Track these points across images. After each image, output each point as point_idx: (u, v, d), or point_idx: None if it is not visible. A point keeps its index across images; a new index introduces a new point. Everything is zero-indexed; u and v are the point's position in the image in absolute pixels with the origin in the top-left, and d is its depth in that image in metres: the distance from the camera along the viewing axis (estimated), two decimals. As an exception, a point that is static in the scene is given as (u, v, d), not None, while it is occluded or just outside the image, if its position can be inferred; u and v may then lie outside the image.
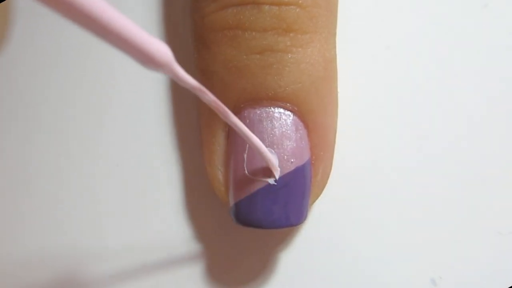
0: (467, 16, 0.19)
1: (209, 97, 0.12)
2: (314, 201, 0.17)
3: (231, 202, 0.16)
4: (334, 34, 0.17)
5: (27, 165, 0.19)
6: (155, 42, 0.09)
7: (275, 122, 0.15)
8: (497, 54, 0.18)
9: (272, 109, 0.15)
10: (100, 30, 0.08)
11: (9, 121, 0.20)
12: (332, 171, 0.17)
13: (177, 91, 0.19)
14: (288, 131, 0.15)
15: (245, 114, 0.16)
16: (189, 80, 0.11)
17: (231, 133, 0.16)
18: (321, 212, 0.19)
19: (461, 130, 0.18)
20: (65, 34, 0.19)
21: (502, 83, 0.18)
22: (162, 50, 0.09)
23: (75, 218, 0.19)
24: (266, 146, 0.15)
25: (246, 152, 0.15)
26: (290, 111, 0.16)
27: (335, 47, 0.17)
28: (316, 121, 0.16)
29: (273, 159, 0.15)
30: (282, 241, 0.19)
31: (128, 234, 0.19)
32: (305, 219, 0.16)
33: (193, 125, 0.19)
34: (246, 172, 0.15)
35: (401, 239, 0.18)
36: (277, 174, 0.15)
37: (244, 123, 0.15)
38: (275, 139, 0.15)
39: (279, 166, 0.15)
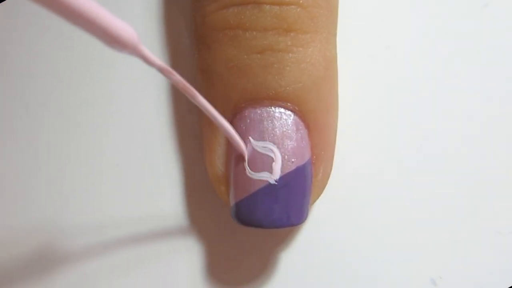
0: (467, 16, 0.19)
1: (176, 77, 0.12)
2: (314, 201, 0.17)
3: (232, 202, 0.16)
4: (335, 34, 0.17)
5: (27, 165, 0.19)
6: (120, 24, 0.10)
7: (276, 122, 0.15)
8: (497, 54, 0.19)
9: (273, 108, 0.15)
10: (64, 12, 0.09)
11: (10, 121, 0.19)
12: (332, 171, 0.17)
13: (178, 90, 0.19)
14: (289, 131, 0.15)
15: (246, 114, 0.16)
16: (156, 60, 0.11)
17: None
18: (322, 212, 0.19)
19: (461, 130, 0.19)
20: (64, 34, 0.19)
21: (502, 83, 0.18)
22: (127, 31, 0.10)
23: (74, 218, 0.19)
24: None
25: (247, 152, 0.15)
26: (291, 110, 0.16)
27: (335, 47, 0.17)
28: (316, 120, 0.16)
29: (244, 147, 0.15)
30: (282, 241, 0.19)
31: (128, 233, 0.19)
32: (305, 219, 0.16)
33: (194, 124, 0.19)
34: (247, 171, 0.15)
35: (401, 239, 0.19)
36: (276, 174, 0.15)
37: (245, 122, 0.16)
38: (276, 139, 0.15)
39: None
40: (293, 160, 0.15)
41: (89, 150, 0.19)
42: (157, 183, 0.19)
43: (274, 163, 0.15)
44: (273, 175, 0.15)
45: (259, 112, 0.15)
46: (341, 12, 0.17)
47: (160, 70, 0.11)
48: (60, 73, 0.19)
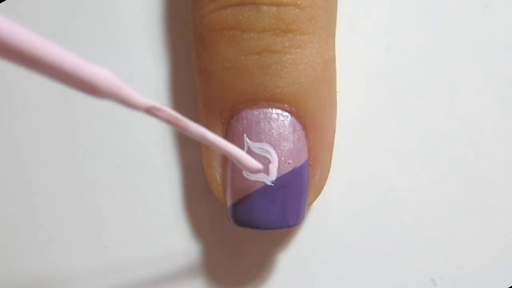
0: (467, 16, 0.18)
1: (165, 114, 0.11)
2: (312, 202, 0.17)
3: (229, 203, 0.16)
4: (333, 35, 0.17)
5: (27, 165, 0.19)
6: (95, 70, 0.09)
7: (273, 123, 0.15)
8: (497, 54, 0.18)
9: (270, 110, 0.15)
10: (25, 61, 0.08)
11: (9, 121, 0.20)
12: (330, 172, 0.17)
13: (177, 91, 0.19)
14: (286, 132, 0.15)
15: (243, 115, 0.16)
16: (141, 101, 0.10)
17: (229, 134, 0.16)
18: (319, 213, 0.19)
19: (461, 130, 0.18)
20: (64, 34, 0.20)
21: (502, 83, 0.18)
22: (104, 77, 0.09)
23: (74, 218, 0.19)
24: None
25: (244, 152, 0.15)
26: (288, 112, 0.16)
27: (334, 48, 0.17)
28: (314, 122, 0.16)
29: (249, 161, 0.14)
30: (279, 242, 0.19)
31: (127, 233, 0.19)
32: (302, 220, 0.16)
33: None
34: (243, 172, 0.15)
35: (401, 239, 0.18)
36: (273, 175, 0.15)
37: (242, 123, 0.16)
38: (273, 140, 0.15)
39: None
40: (290, 161, 0.15)
41: (89, 150, 0.19)
42: (155, 184, 0.19)
43: (270, 164, 0.15)
44: (270, 177, 0.15)
45: (256, 113, 0.15)
46: (341, 12, 0.17)
47: (147, 111, 0.11)
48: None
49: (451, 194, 0.18)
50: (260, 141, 0.15)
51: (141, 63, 0.19)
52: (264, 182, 0.15)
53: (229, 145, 0.13)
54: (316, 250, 0.19)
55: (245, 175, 0.15)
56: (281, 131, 0.15)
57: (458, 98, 0.18)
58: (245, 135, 0.15)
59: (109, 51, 0.19)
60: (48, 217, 0.19)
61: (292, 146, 0.15)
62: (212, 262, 0.19)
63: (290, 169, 0.15)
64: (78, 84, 0.09)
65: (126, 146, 0.19)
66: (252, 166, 0.14)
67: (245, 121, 0.16)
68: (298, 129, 0.16)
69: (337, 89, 0.17)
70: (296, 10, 0.15)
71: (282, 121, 0.15)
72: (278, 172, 0.15)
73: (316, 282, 0.19)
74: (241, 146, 0.15)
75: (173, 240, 0.19)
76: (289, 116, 0.16)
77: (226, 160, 0.16)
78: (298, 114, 0.16)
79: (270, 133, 0.15)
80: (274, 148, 0.15)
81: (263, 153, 0.15)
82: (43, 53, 0.08)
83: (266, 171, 0.15)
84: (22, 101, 0.19)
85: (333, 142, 0.17)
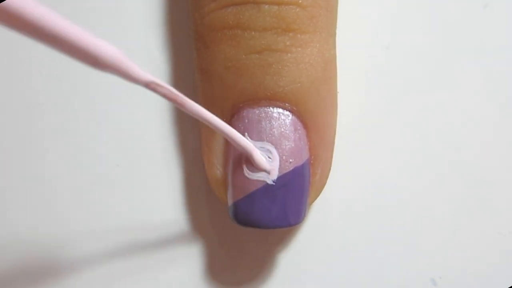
0: (467, 16, 0.19)
1: (164, 89, 0.12)
2: (312, 201, 0.17)
3: (230, 202, 0.16)
4: (334, 34, 0.17)
5: (27, 165, 0.19)
6: (100, 43, 0.09)
7: (274, 122, 0.15)
8: (497, 54, 0.18)
9: (271, 109, 0.15)
10: (39, 35, 0.08)
11: (9, 121, 0.20)
12: (331, 171, 0.17)
13: (177, 90, 0.19)
14: (287, 131, 0.15)
15: (244, 114, 0.16)
16: (142, 76, 0.11)
17: None
18: (320, 212, 0.19)
19: (461, 130, 0.18)
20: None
21: (502, 83, 0.18)
22: (108, 49, 0.09)
23: (74, 218, 0.19)
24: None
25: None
26: (289, 111, 0.16)
27: (334, 47, 0.17)
28: (315, 121, 0.16)
29: (250, 149, 0.15)
30: (280, 241, 0.19)
31: (128, 233, 0.19)
32: (303, 219, 0.16)
33: (192, 124, 0.19)
34: (245, 172, 0.15)
35: (401, 239, 0.18)
36: (274, 173, 0.15)
37: (243, 122, 0.16)
38: (274, 139, 0.15)
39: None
40: (291, 160, 0.15)
41: (89, 150, 0.19)
42: (156, 183, 0.19)
43: (271, 164, 0.15)
44: (271, 176, 0.15)
45: (257, 112, 0.15)
46: (341, 12, 0.17)
47: (147, 85, 0.11)
48: (60, 73, 0.19)
49: (451, 194, 0.18)
50: (261, 140, 0.15)
51: (141, 63, 0.19)
52: (265, 181, 0.15)
53: (224, 125, 0.14)
54: (316, 250, 0.19)
55: (246, 174, 0.15)
56: (282, 130, 0.15)
57: (458, 98, 0.18)
58: (246, 134, 0.15)
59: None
60: (48, 217, 0.19)
61: (293, 145, 0.15)
62: (212, 262, 0.19)
63: (291, 168, 0.15)
64: (82, 55, 0.09)
65: (126, 146, 0.19)
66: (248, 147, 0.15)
67: (246, 120, 0.16)
68: (299, 128, 0.16)
69: (337, 89, 0.17)
70: (297, 9, 0.15)
71: (283, 120, 0.15)
72: (279, 171, 0.15)
73: (316, 282, 0.19)
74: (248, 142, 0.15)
75: (174, 239, 0.19)
76: (290, 115, 0.16)
77: (227, 159, 0.16)
78: (299, 113, 0.16)
79: (271, 132, 0.15)
80: (275, 147, 0.15)
81: (264, 152, 0.15)
82: (50, 23, 0.08)
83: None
84: (23, 101, 0.19)
85: (333, 141, 0.17)
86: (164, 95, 0.12)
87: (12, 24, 0.08)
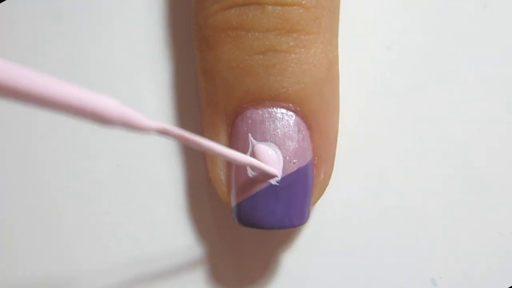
0: (467, 16, 0.19)
1: (175, 132, 0.11)
2: (316, 202, 0.17)
3: (233, 203, 0.16)
4: (337, 35, 0.17)
5: (27, 165, 0.19)
6: (103, 101, 0.09)
7: (278, 123, 0.15)
8: (497, 54, 0.19)
9: (275, 109, 0.15)
10: (42, 104, 0.08)
11: (9, 121, 0.19)
12: (333, 171, 0.17)
13: (179, 91, 0.19)
14: (291, 132, 0.15)
15: (248, 115, 0.16)
16: (151, 125, 0.10)
17: (234, 134, 0.16)
18: (323, 213, 0.19)
19: (461, 130, 0.19)
20: (64, 34, 0.19)
21: (502, 83, 0.19)
22: (111, 106, 0.09)
23: (75, 218, 0.19)
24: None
25: (249, 152, 0.15)
26: (293, 111, 0.16)
27: (337, 48, 0.17)
28: (318, 121, 0.16)
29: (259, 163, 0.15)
30: (284, 242, 0.19)
31: (129, 234, 0.19)
32: (307, 220, 0.16)
33: (195, 125, 0.19)
34: (248, 172, 0.15)
35: (401, 239, 0.19)
36: (279, 174, 0.15)
37: (247, 123, 0.16)
38: (278, 140, 0.15)
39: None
40: (294, 161, 0.15)
41: (89, 150, 0.19)
42: (158, 184, 0.19)
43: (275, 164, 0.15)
44: (275, 176, 0.15)
45: (261, 112, 0.15)
46: (342, 13, 0.17)
47: (158, 132, 0.11)
48: (60, 73, 0.19)
49: (452, 194, 0.18)
50: (265, 140, 0.15)
51: (144, 65, 0.19)
52: (269, 182, 0.15)
53: (240, 154, 0.14)
54: (318, 250, 0.19)
55: (250, 175, 0.15)
56: (286, 130, 0.15)
57: (458, 98, 0.19)
58: (250, 134, 0.15)
59: (112, 52, 0.19)
60: (47, 218, 0.19)
61: (297, 145, 0.15)
62: (216, 262, 0.19)
63: (295, 169, 0.15)
64: (88, 116, 0.09)
65: (127, 147, 0.19)
66: (272, 172, 0.15)
67: (250, 121, 0.15)
68: (302, 128, 0.16)
69: (340, 89, 0.17)
70: (301, 10, 0.15)
71: (287, 120, 0.15)
72: (283, 172, 0.15)
73: (318, 282, 0.19)
74: (246, 146, 0.15)
75: (177, 240, 0.19)
76: (294, 116, 0.16)
77: None
78: (302, 114, 0.16)
79: (275, 132, 0.15)
80: (279, 148, 0.15)
81: None
82: (51, 93, 0.08)
83: None
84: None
85: (336, 142, 0.17)
86: (175, 139, 0.12)
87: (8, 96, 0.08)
